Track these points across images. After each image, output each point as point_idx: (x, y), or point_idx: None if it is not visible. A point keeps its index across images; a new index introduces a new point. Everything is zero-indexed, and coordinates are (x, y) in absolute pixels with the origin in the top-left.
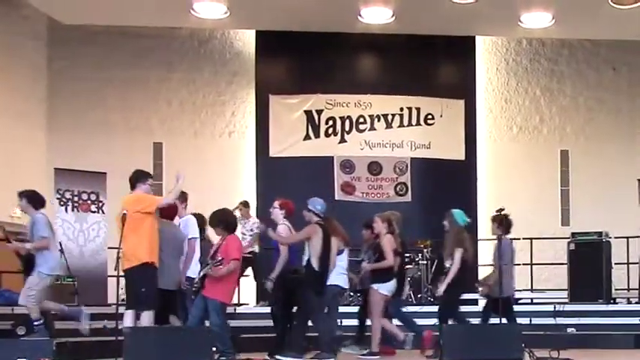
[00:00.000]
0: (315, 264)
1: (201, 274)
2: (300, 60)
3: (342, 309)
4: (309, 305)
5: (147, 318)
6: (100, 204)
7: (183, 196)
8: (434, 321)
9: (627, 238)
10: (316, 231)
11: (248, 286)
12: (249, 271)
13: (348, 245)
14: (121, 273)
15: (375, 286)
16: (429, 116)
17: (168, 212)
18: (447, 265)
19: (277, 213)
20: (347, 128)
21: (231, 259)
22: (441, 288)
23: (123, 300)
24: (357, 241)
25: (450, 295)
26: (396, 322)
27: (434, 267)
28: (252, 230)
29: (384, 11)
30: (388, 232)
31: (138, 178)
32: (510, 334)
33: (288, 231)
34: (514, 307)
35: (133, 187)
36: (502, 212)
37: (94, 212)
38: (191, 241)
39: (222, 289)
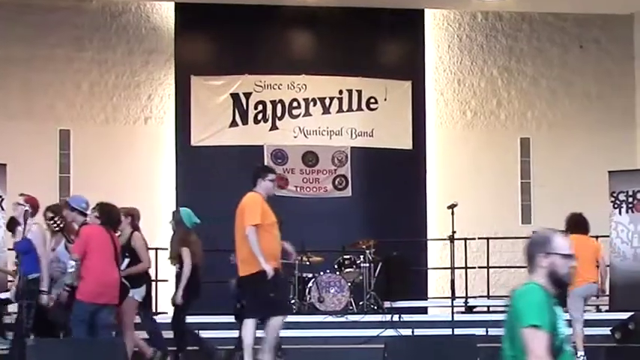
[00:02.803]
0: None
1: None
2: (225, 36)
3: None
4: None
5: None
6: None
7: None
8: (377, 332)
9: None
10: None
11: (166, 291)
12: (167, 274)
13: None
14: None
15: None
16: (372, 100)
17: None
18: (176, 269)
19: (23, 211)
20: (279, 113)
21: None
22: (179, 294)
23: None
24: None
25: (181, 304)
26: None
27: (378, 270)
28: None
29: None
30: (134, 229)
31: (257, 173)
32: (464, 346)
33: (40, 232)
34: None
35: (254, 184)
36: (454, 206)
37: None
38: None
39: (81, 287)
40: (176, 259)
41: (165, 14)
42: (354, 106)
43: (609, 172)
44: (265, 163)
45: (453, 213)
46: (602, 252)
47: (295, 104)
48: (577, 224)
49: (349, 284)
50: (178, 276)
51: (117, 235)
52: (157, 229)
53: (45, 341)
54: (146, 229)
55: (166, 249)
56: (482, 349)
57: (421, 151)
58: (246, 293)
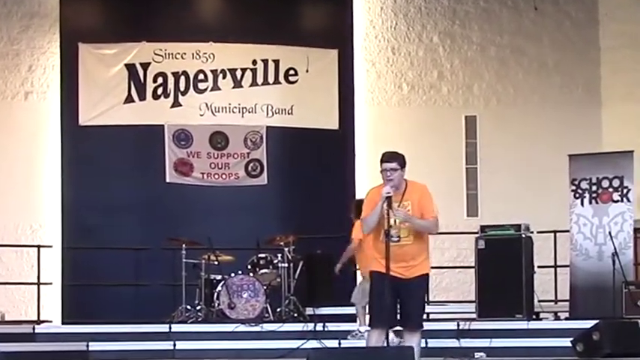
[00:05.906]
0: None
1: None
2: None
3: None
4: None
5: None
6: None
7: None
8: (298, 343)
9: (554, 232)
10: None
11: (51, 296)
12: (51, 276)
13: None
14: None
15: None
16: (291, 72)
17: None
18: None
19: None
20: (182, 88)
21: None
22: None
23: None
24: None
25: None
26: None
27: (298, 272)
28: None
29: None
30: None
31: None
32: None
33: None
34: None
35: None
36: (388, 197)
37: None
38: None
39: None
40: None
41: None
42: (271, 78)
43: (570, 155)
44: (167, 145)
45: (388, 204)
46: None
47: (201, 77)
48: None
49: (265, 288)
50: None
51: None
52: (39, 221)
53: None
54: (27, 221)
55: (50, 246)
56: None
57: (349, 132)
58: None
